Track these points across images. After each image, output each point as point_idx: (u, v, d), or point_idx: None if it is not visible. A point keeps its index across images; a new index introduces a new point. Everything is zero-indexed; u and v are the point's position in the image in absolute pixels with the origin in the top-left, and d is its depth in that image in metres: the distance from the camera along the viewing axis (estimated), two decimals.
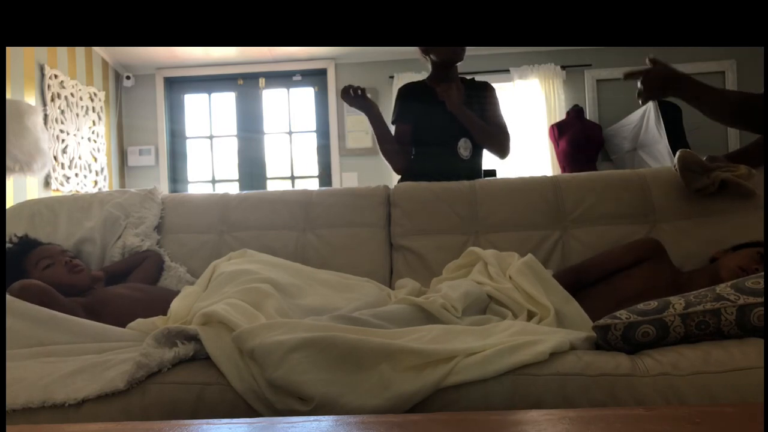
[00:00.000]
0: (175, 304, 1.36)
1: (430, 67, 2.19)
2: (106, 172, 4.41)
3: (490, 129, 2.10)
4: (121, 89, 4.80)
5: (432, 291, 1.44)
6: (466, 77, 2.21)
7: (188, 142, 4.98)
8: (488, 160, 2.23)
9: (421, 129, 2.14)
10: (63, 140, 3.86)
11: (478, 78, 2.26)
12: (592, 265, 1.53)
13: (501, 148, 2.12)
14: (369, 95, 2.12)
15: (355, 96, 2.05)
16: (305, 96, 4.96)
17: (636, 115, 4.14)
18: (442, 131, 2.10)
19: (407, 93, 2.19)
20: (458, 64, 2.13)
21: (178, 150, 4.96)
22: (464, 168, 2.09)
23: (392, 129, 2.17)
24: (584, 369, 1.00)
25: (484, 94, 2.16)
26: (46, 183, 3.69)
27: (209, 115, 4.98)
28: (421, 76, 4.31)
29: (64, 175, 3.86)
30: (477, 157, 2.15)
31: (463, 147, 2.08)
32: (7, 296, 1.29)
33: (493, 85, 2.24)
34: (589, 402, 0.96)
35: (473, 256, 1.57)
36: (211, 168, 4.96)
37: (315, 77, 4.89)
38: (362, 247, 1.77)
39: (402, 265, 1.74)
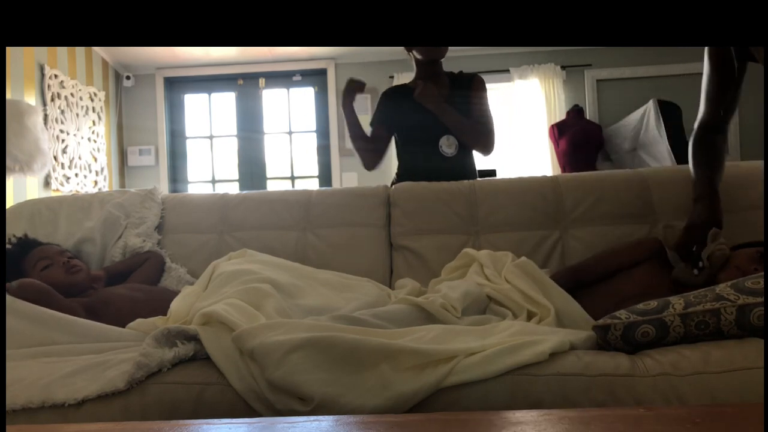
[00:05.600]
0: (175, 304, 1.36)
1: (414, 65, 2.17)
2: (106, 172, 4.41)
3: (471, 125, 2.06)
4: (121, 89, 4.80)
5: (431, 292, 1.44)
6: (453, 71, 2.18)
7: (188, 142, 4.98)
8: (487, 159, 2.21)
9: (405, 131, 2.15)
10: (63, 140, 3.86)
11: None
12: (593, 264, 1.53)
13: (483, 144, 2.08)
14: (367, 95, 2.15)
15: (353, 92, 2.08)
16: (305, 96, 4.96)
17: (636, 115, 4.14)
18: (423, 130, 2.08)
19: (389, 96, 2.20)
20: (441, 60, 2.11)
21: (178, 150, 4.96)
22: (449, 166, 2.06)
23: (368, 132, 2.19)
24: (584, 369, 1.00)
25: (470, 87, 2.12)
26: (46, 183, 3.69)
27: (209, 115, 4.98)
28: None
29: (64, 175, 3.86)
30: (465, 154, 2.11)
31: (446, 144, 2.04)
32: (7, 296, 1.29)
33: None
34: (589, 402, 0.96)
35: (468, 258, 1.57)
36: (211, 168, 4.96)
37: (315, 77, 4.89)
38: (362, 247, 1.77)
39: (402, 265, 1.74)
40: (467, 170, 2.13)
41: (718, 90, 1.52)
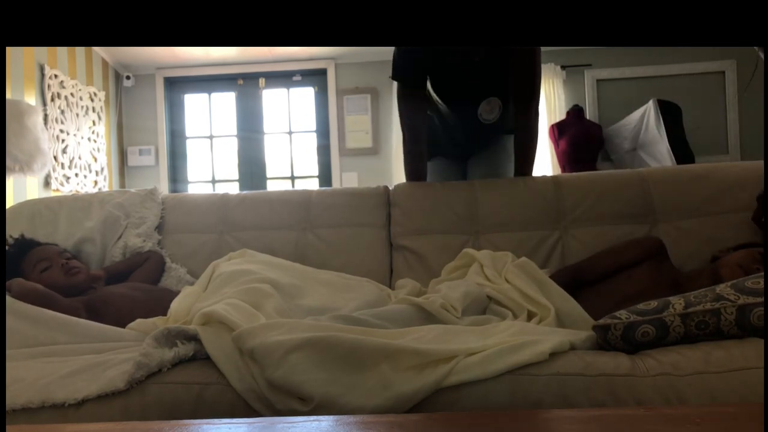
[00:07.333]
0: (175, 305, 1.36)
1: None
2: (106, 172, 4.41)
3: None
4: (121, 89, 4.80)
5: (431, 292, 1.44)
6: None
7: (188, 142, 4.98)
8: None
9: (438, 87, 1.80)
10: (63, 140, 3.86)
11: None
12: (593, 264, 1.53)
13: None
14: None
15: None
16: (305, 96, 4.96)
17: (636, 115, 4.14)
18: (459, 104, 1.77)
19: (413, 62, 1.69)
20: None
21: (178, 150, 4.96)
22: (487, 131, 1.86)
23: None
24: (584, 369, 1.00)
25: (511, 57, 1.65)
26: (46, 183, 3.69)
27: (209, 115, 4.98)
28: None
29: (64, 175, 3.86)
30: (504, 118, 1.82)
31: (486, 110, 1.66)
32: (8, 297, 1.29)
33: None
34: (589, 402, 0.96)
35: (468, 258, 1.57)
36: (211, 168, 4.96)
37: (315, 77, 4.89)
38: (362, 247, 1.77)
39: (402, 265, 1.74)
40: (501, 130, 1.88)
41: None
